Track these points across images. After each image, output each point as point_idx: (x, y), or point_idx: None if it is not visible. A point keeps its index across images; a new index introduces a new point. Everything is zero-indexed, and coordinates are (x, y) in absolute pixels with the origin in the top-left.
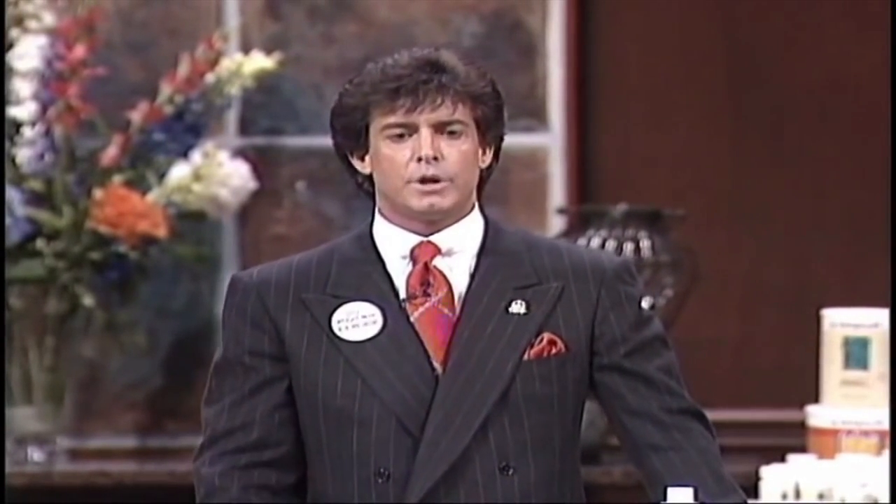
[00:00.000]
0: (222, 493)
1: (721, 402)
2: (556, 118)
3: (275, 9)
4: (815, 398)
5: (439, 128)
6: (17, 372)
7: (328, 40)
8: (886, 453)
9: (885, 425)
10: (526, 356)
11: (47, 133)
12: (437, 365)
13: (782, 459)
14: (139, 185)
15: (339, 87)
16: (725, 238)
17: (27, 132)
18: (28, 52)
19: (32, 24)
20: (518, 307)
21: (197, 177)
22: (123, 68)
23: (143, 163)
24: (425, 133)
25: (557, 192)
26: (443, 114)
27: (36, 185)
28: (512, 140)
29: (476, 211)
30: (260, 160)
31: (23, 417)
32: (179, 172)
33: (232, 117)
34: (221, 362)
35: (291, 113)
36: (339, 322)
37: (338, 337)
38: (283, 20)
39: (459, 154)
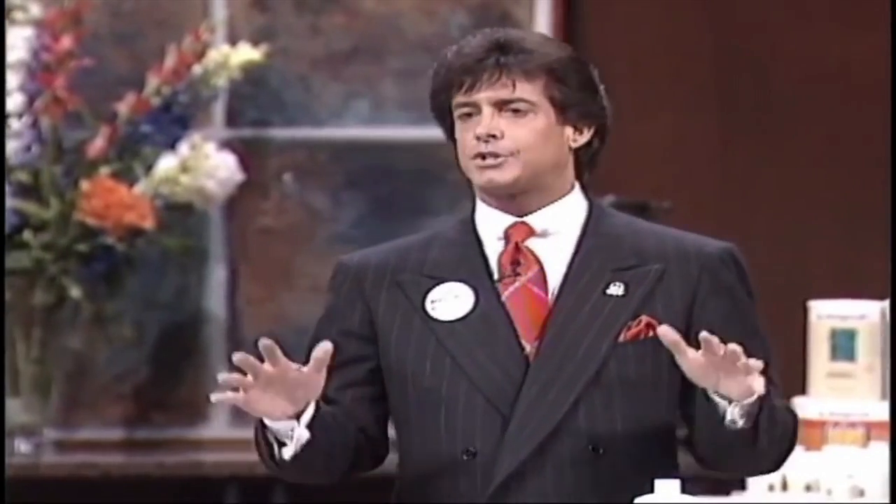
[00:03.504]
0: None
1: None
2: None
3: (262, 0)
4: (802, 390)
5: (500, 106)
6: (5, 364)
7: (315, 32)
8: (873, 445)
9: (872, 417)
10: (621, 338)
11: (34, 124)
12: (526, 344)
13: None
14: (126, 176)
15: (326, 78)
16: (712, 230)
17: (14, 124)
18: (15, 44)
19: (19, 15)
20: (616, 289)
21: (184, 168)
22: (110, 59)
23: (130, 154)
24: (486, 112)
25: None
26: (503, 92)
27: (23, 176)
28: None
29: (576, 192)
30: (247, 152)
31: (10, 409)
32: (166, 164)
33: (219, 109)
34: (313, 340)
35: (278, 105)
36: (432, 302)
37: (430, 317)
38: (270, 12)
39: (525, 132)
